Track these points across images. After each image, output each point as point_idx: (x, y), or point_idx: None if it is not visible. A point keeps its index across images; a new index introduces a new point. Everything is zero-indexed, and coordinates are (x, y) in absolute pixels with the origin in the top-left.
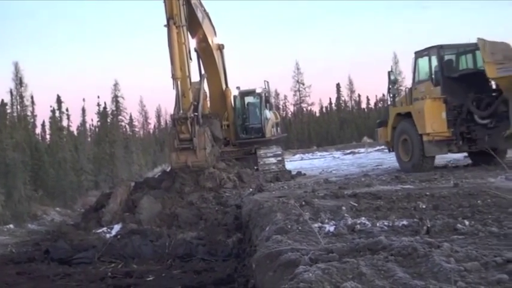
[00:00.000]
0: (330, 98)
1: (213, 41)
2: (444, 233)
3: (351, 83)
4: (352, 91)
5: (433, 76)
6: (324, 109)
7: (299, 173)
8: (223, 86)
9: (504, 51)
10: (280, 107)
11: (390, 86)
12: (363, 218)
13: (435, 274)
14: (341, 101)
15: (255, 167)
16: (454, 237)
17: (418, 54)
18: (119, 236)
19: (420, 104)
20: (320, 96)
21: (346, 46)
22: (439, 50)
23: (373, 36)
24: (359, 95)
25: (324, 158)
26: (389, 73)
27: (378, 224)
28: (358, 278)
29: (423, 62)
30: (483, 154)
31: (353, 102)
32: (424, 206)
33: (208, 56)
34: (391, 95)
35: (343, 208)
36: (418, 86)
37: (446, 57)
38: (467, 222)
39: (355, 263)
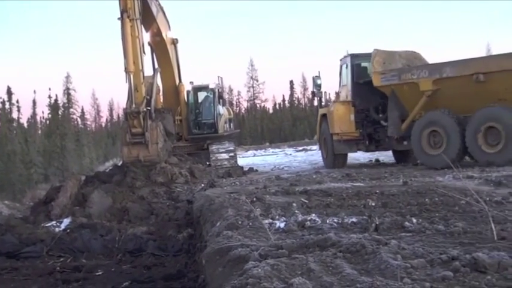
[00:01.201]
0: (283, 95)
1: (167, 35)
2: (392, 231)
3: (304, 80)
4: (305, 88)
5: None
6: (277, 106)
7: (251, 169)
8: (177, 81)
9: (408, 61)
10: (234, 103)
11: (315, 90)
12: (313, 215)
13: (382, 271)
14: (294, 98)
15: (207, 163)
16: (401, 234)
17: (342, 61)
18: (68, 230)
19: (331, 106)
20: (273, 92)
21: (300, 43)
22: (352, 58)
23: (327, 34)
24: (312, 93)
25: (276, 155)
26: (314, 78)
27: (327, 221)
28: (307, 274)
29: (344, 68)
30: (403, 154)
31: (306, 99)
32: (373, 204)
33: (162, 50)
34: (318, 98)
35: (294, 205)
36: (341, 90)
37: (359, 65)
38: (414, 220)
39: (304, 259)
